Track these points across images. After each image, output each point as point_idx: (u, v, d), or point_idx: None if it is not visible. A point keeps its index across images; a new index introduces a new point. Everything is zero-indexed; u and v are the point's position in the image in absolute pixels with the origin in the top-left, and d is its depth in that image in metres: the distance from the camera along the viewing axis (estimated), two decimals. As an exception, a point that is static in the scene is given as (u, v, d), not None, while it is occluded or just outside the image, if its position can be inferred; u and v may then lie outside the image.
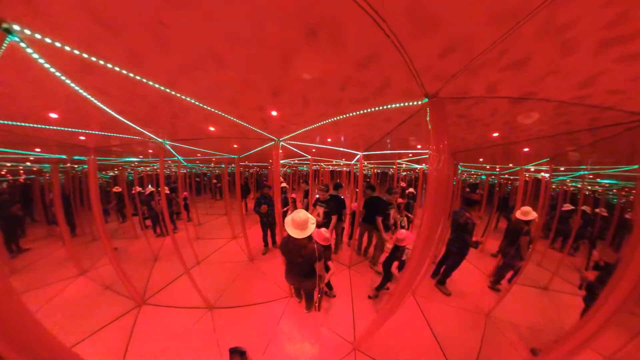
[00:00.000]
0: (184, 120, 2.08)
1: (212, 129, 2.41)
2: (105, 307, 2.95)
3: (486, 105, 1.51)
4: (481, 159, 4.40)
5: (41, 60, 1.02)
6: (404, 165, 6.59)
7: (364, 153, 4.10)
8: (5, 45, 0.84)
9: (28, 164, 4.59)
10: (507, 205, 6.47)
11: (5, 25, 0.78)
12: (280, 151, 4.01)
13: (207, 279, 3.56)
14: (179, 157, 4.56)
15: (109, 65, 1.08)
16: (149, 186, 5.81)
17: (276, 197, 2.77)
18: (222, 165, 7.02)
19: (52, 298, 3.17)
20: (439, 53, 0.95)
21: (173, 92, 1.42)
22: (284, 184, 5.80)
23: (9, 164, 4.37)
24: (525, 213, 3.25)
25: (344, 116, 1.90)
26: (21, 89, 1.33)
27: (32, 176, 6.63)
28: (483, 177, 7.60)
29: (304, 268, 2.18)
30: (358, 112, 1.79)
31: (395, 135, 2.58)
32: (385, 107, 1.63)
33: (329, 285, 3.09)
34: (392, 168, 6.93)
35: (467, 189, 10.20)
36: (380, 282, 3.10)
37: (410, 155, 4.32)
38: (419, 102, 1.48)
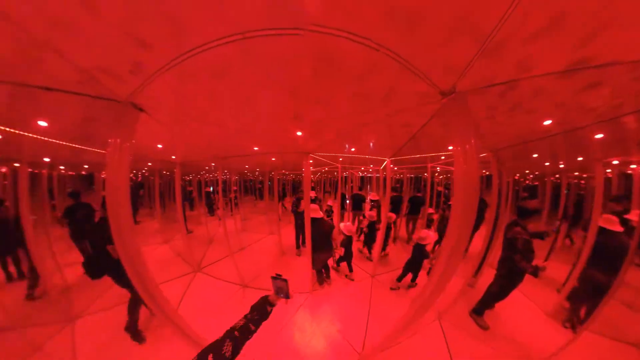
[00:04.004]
0: (235, 142, 2.77)
1: (256, 148, 3.08)
2: (174, 268, 3.78)
3: (524, 89, 1.21)
4: (535, 155, 3.36)
5: (154, 119, 1.68)
6: (438, 169, 5.78)
7: (391, 158, 3.83)
8: (139, 116, 1.42)
9: (143, 170, 7.13)
10: (582, 214, 4.72)
11: (139, 106, 1.38)
12: (311, 161, 4.20)
13: (246, 263, 4.00)
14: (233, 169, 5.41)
15: (186, 117, 1.72)
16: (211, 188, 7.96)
17: (306, 207, 2.83)
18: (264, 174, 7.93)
19: (146, 254, 4.22)
20: (438, 42, 0.85)
21: (228, 127, 2.00)
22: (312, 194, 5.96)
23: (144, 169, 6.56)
24: (612, 221, 2.21)
25: (361, 127, 1.97)
26: (142, 135, 2.09)
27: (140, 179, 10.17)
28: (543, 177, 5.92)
29: (328, 240, 3.03)
30: (370, 123, 1.81)
31: (423, 138, 2.37)
32: (397, 113, 1.56)
33: (350, 268, 3.59)
34: (426, 172, 6.21)
35: (525, 194, 8.03)
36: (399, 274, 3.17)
37: (443, 157, 3.78)
38: (437, 102, 1.31)
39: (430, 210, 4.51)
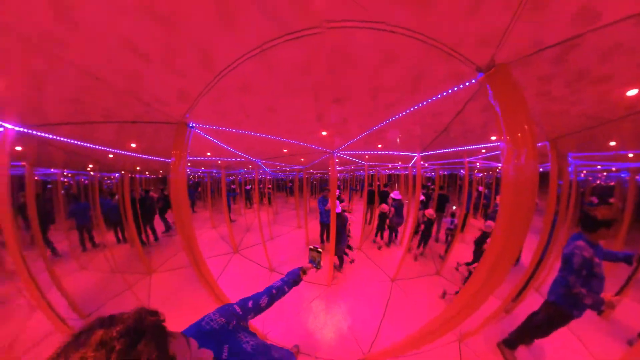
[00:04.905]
0: (267, 147, 3.01)
1: (285, 150, 3.32)
2: (218, 248, 4.58)
3: (590, 47, 0.86)
4: (612, 142, 2.36)
5: (202, 134, 1.98)
6: (478, 165, 4.99)
7: (421, 154, 3.52)
8: (191, 132, 1.68)
9: (199, 173, 8.86)
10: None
11: (190, 124, 1.66)
12: (337, 160, 4.23)
13: (275, 251, 4.38)
14: (266, 169, 5.98)
15: (225, 129, 1.93)
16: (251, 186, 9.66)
17: (332, 205, 2.83)
18: (294, 173, 8.34)
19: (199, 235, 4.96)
20: (466, 7, 0.70)
21: (259, 134, 2.21)
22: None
23: (200, 171, 8.23)
24: None
25: (385, 122, 1.84)
26: (195, 146, 2.57)
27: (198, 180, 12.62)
28: (624, 174, 4.22)
29: (344, 231, 3.34)
30: (398, 116, 1.66)
31: (458, 128, 2.05)
32: (428, 101, 1.37)
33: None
34: (463, 168, 5.40)
35: (593, 199, 5.52)
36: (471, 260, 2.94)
37: (484, 151, 3.26)
38: (473, 81, 1.10)
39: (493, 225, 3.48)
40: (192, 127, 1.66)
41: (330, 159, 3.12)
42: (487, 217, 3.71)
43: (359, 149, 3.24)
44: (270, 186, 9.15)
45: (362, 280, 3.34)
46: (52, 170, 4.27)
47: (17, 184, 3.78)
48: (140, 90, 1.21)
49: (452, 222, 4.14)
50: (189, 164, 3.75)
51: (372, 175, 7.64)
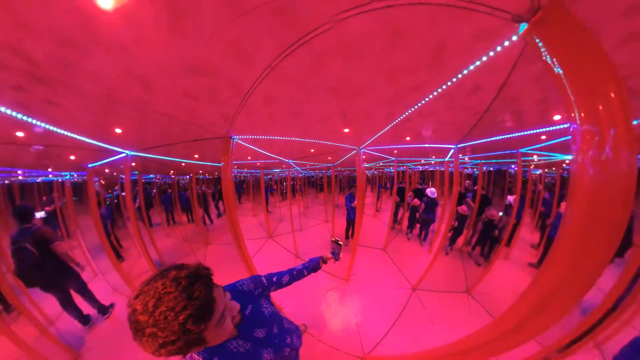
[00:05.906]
0: (295, 148, 3.31)
1: (312, 150, 3.59)
2: (256, 232, 5.31)
3: None
4: None
5: (242, 142, 2.26)
6: (535, 159, 3.71)
7: (459, 146, 2.98)
8: (233, 143, 2.00)
9: (243, 173, 10.20)
10: None
11: (232, 137, 1.97)
12: (363, 157, 4.03)
13: (303, 240, 4.72)
14: (297, 168, 6.50)
15: (259, 137, 2.21)
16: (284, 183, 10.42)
17: (358, 202, 2.82)
18: (323, 171, 8.51)
19: (242, 221, 5.93)
20: None
21: (287, 138, 2.44)
22: None
23: (244, 172, 9.53)
24: None
25: (413, 109, 1.54)
26: (238, 152, 2.89)
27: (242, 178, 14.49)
28: None
29: None
30: (425, 100, 1.36)
31: (505, 107, 1.48)
32: (458, 76, 1.04)
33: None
34: (514, 163, 4.06)
35: None
36: None
37: (544, 137, 2.41)
38: (514, 38, 0.71)
39: None
40: (234, 138, 2.02)
41: (357, 156, 3.00)
42: (544, 229, 2.71)
43: (386, 143, 2.98)
44: (300, 183, 9.60)
45: (382, 282, 3.11)
46: (150, 175, 6.83)
47: (133, 185, 5.71)
48: (197, 118, 1.66)
49: (487, 222, 3.28)
50: (234, 167, 4.56)
51: (402, 171, 6.87)
